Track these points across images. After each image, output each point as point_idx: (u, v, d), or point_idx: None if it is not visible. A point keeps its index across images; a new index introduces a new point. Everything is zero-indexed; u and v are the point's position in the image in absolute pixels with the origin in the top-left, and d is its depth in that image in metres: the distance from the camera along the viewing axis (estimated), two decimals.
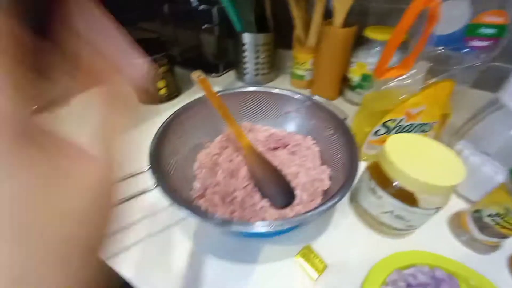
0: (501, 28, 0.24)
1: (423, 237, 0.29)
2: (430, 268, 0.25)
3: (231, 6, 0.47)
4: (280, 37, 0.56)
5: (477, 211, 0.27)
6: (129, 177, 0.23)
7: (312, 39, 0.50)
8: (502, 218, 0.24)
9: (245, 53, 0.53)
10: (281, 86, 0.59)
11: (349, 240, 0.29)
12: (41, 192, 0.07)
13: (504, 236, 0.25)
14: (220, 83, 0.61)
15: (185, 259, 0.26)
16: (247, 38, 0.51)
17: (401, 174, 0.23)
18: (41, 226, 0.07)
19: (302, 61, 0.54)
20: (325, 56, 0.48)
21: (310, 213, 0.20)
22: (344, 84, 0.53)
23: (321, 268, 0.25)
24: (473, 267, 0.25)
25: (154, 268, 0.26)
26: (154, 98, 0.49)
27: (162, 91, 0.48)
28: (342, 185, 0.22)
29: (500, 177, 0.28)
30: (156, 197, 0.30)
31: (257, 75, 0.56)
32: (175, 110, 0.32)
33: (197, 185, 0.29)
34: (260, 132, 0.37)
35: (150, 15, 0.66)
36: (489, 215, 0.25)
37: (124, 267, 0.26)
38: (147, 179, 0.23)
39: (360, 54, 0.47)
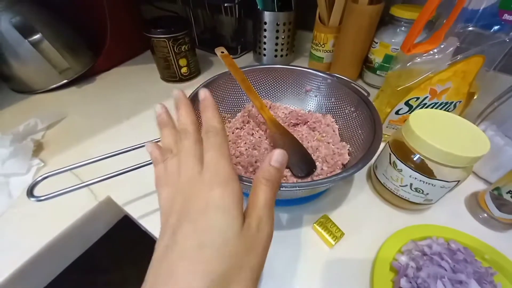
0: None
1: (440, 213, 0.30)
2: (446, 240, 0.25)
3: None
4: (301, 17, 0.55)
5: (496, 188, 0.27)
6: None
7: (335, 18, 0.49)
8: None
9: (265, 33, 0.53)
10: (316, 69, 0.60)
11: (366, 213, 0.29)
12: None
13: None
14: (239, 65, 0.61)
15: None
16: (267, 16, 0.51)
17: (423, 144, 0.23)
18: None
19: (322, 41, 0.53)
20: (348, 35, 0.47)
21: (332, 178, 0.21)
22: (364, 66, 0.52)
23: (339, 235, 0.26)
24: (491, 244, 0.26)
25: None
26: (174, 76, 0.50)
27: (184, 70, 0.49)
28: (363, 157, 0.23)
29: None
30: None
31: (275, 56, 0.56)
32: (199, 85, 0.33)
33: None
34: (280, 110, 0.37)
35: None
36: (509, 192, 0.25)
37: (153, 225, 0.28)
38: None
39: (384, 34, 0.45)
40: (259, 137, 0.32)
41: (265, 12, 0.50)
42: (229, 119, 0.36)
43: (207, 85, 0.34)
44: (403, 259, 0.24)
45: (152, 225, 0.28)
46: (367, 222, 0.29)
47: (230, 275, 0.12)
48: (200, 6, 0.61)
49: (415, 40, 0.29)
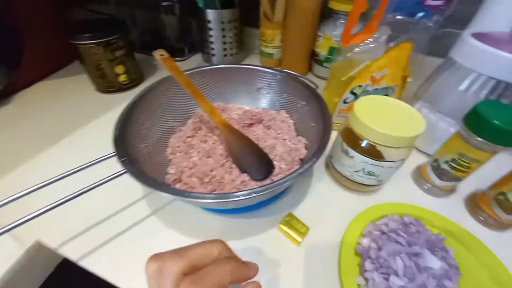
0: None
1: (392, 190, 0.32)
2: (400, 215, 0.27)
3: None
4: (247, 14, 0.54)
5: (435, 160, 0.30)
6: (95, 163, 0.21)
7: (279, 14, 0.49)
8: (456, 162, 0.27)
9: (211, 32, 0.51)
10: (265, 66, 0.59)
11: (328, 203, 0.30)
12: None
13: (459, 179, 0.29)
14: (187, 67, 0.58)
15: (166, 247, 0.25)
16: (211, 14, 0.49)
17: (368, 130, 0.24)
18: None
19: (270, 38, 0.53)
20: (293, 30, 0.48)
21: (288, 177, 0.20)
22: (312, 60, 0.54)
23: (304, 231, 0.26)
24: (437, 210, 0.29)
25: (131, 262, 0.24)
26: (111, 86, 0.45)
27: (122, 78, 0.44)
28: (316, 150, 0.23)
29: (453, 130, 0.31)
30: (126, 191, 0.29)
31: (225, 55, 0.55)
32: (138, 93, 0.30)
33: (172, 170, 0.28)
34: (233, 111, 0.36)
35: None
36: (446, 162, 0.28)
37: (100, 266, 0.24)
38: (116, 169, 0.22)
39: (326, 27, 0.47)
40: (213, 143, 0.30)
41: (208, 10, 0.48)
42: (180, 128, 0.33)
43: (147, 92, 0.30)
44: (365, 241, 0.25)
45: (97, 265, 0.24)
46: (329, 212, 0.29)
47: None
48: (137, 7, 0.56)
49: (351, 31, 0.30)
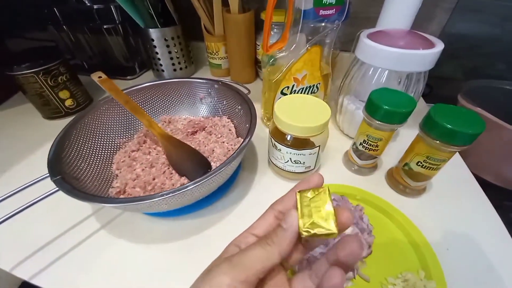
0: None
1: (327, 174, 0.36)
2: None
3: (126, 3, 0.46)
4: (190, 29, 0.57)
5: (354, 143, 0.35)
6: (29, 186, 0.22)
7: (218, 28, 0.53)
8: (367, 142, 0.32)
9: (156, 49, 0.53)
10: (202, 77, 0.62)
11: (270, 193, 0.33)
12: None
13: (374, 157, 0.34)
14: (141, 82, 0.59)
15: (115, 260, 0.26)
16: (153, 33, 0.51)
17: (286, 125, 0.28)
18: None
19: (215, 50, 0.56)
20: (232, 42, 0.52)
21: (214, 173, 0.23)
22: (257, 66, 0.58)
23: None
24: (363, 187, 0.33)
25: (80, 277, 0.25)
26: (58, 112, 0.45)
27: (68, 102, 0.45)
28: (239, 146, 0.26)
29: None
30: (75, 209, 0.30)
31: (174, 70, 0.57)
32: (75, 116, 0.31)
33: (117, 184, 0.29)
34: (179, 122, 0.39)
35: (42, 23, 0.59)
36: (360, 144, 0.33)
37: (54, 283, 0.25)
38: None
39: (262, 36, 0.52)
40: (157, 154, 0.33)
41: (150, 29, 0.51)
42: (126, 143, 0.35)
43: (85, 115, 0.32)
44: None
45: (52, 282, 0.25)
46: (271, 200, 0.32)
47: None
48: (79, 31, 0.57)
49: (268, 41, 0.34)
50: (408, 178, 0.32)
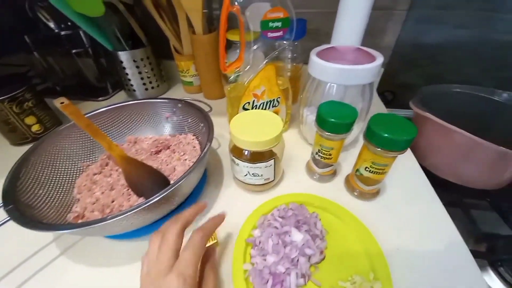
0: (284, 21, 0.33)
1: (291, 184, 0.38)
2: (287, 204, 0.32)
3: (92, 28, 0.48)
4: (159, 49, 0.59)
5: (312, 153, 0.36)
6: None
7: (187, 47, 0.55)
8: (321, 152, 0.34)
9: (126, 71, 0.54)
10: (175, 95, 0.63)
11: (233, 206, 0.34)
12: None
13: (329, 165, 0.36)
14: (114, 102, 0.60)
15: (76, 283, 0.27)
16: (122, 56, 0.52)
17: (241, 141, 0.30)
18: None
19: (185, 68, 0.58)
20: (201, 61, 0.54)
21: (164, 193, 0.24)
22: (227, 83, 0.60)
23: (214, 237, 0.29)
24: (323, 194, 0.35)
25: None
26: (25, 137, 0.45)
27: (35, 128, 0.45)
28: (195, 161, 0.27)
29: None
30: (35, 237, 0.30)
31: (146, 89, 0.58)
32: (33, 144, 0.31)
33: (77, 208, 0.29)
34: (144, 142, 0.40)
35: (13, 48, 0.60)
36: (316, 153, 0.35)
37: None
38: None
39: (229, 55, 0.54)
40: (118, 175, 0.33)
41: (118, 52, 0.52)
42: (89, 166, 0.35)
43: (42, 142, 0.32)
44: (256, 232, 0.29)
45: None
46: (235, 213, 0.33)
47: None
48: (49, 56, 0.58)
49: (224, 61, 0.36)
50: (361, 183, 0.34)
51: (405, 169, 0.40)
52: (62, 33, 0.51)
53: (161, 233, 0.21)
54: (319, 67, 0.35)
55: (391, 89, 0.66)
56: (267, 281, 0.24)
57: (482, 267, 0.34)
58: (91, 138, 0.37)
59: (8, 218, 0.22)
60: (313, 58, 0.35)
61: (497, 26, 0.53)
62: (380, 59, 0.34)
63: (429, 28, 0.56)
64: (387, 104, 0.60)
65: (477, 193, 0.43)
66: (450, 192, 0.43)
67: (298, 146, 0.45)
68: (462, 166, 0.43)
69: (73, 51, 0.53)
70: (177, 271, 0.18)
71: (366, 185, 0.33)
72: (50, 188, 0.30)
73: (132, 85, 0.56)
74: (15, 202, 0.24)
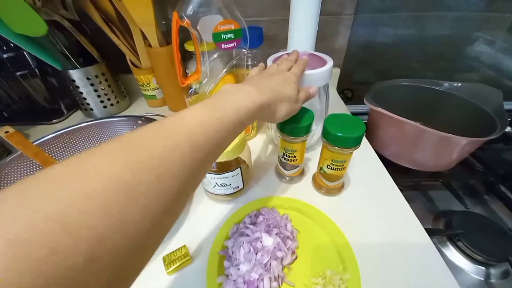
0: (236, 32, 0.34)
1: (262, 189, 0.38)
2: (258, 210, 0.33)
3: (36, 48, 0.44)
4: (116, 63, 0.56)
5: (278, 157, 0.38)
6: None
7: (144, 61, 0.54)
8: (286, 154, 0.35)
9: (80, 89, 0.51)
10: (137, 110, 0.61)
11: (206, 219, 0.34)
12: None
13: (296, 166, 0.37)
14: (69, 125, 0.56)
15: None
16: (74, 74, 0.49)
17: None
18: None
19: (145, 82, 0.57)
20: (160, 74, 0.53)
21: None
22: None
23: (186, 254, 0.29)
24: (294, 195, 0.36)
25: None
26: None
27: None
28: None
29: None
30: None
31: (105, 107, 0.55)
32: None
33: None
34: None
35: None
36: (282, 156, 0.36)
37: None
38: None
39: (189, 65, 0.54)
40: None
41: (69, 71, 0.49)
42: None
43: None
44: (229, 243, 0.29)
45: None
46: (207, 226, 0.33)
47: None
48: None
49: (182, 74, 0.36)
50: (325, 180, 0.35)
51: (365, 160, 0.42)
52: (4, 56, 0.47)
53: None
54: None
55: (349, 87, 0.71)
56: None
57: (442, 243, 0.38)
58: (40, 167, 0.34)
59: None
60: (269, 64, 0.36)
61: (430, 23, 0.60)
62: (330, 63, 0.36)
63: (375, 30, 0.62)
64: (347, 101, 0.64)
65: (431, 175, 0.48)
66: (409, 177, 0.48)
67: (267, 151, 0.46)
68: (414, 152, 0.47)
69: (18, 73, 0.49)
70: (293, 72, 0.30)
71: (330, 181, 0.35)
72: None
73: (88, 104, 0.53)
74: None
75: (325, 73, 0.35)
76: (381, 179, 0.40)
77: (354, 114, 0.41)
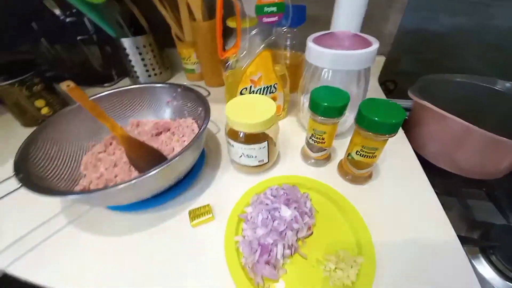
0: (279, 5, 0.34)
1: (287, 167, 0.39)
2: (280, 185, 0.34)
3: (95, 15, 0.49)
4: (161, 37, 0.60)
5: (306, 138, 0.38)
6: None
7: (188, 35, 0.56)
8: (314, 136, 0.35)
9: (129, 57, 0.56)
10: (177, 81, 0.65)
11: (230, 186, 0.36)
12: None
13: (323, 149, 0.37)
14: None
15: (90, 251, 0.29)
16: (125, 42, 0.54)
17: (236, 124, 0.31)
18: None
19: (187, 56, 0.59)
20: (201, 48, 0.55)
21: (167, 163, 0.26)
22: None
23: (208, 210, 0.31)
24: (317, 177, 0.36)
25: (60, 265, 0.28)
26: (36, 119, 0.48)
27: (45, 110, 0.47)
28: (191, 140, 0.29)
29: None
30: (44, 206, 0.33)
31: (149, 76, 0.60)
32: (44, 122, 0.34)
33: (83, 182, 0.32)
34: (146, 125, 0.41)
35: (21, 36, 0.62)
36: (310, 138, 0.36)
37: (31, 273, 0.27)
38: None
39: (229, 41, 0.55)
40: (120, 154, 0.35)
41: (121, 39, 0.53)
42: (94, 146, 0.37)
43: (49, 122, 0.34)
44: (248, 209, 0.31)
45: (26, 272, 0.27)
46: (231, 192, 0.35)
47: None
48: (55, 42, 0.59)
49: (222, 47, 0.37)
50: (352, 167, 0.35)
51: (400, 156, 0.40)
52: (67, 19, 0.53)
53: None
54: (314, 52, 0.35)
55: (392, 79, 0.66)
56: (256, 251, 0.25)
57: (473, 254, 0.35)
58: (96, 119, 0.39)
59: (20, 185, 0.24)
60: (309, 44, 0.36)
61: (495, 12, 0.52)
62: (376, 45, 0.34)
63: (430, 16, 0.55)
64: (388, 93, 0.60)
65: (474, 183, 0.44)
66: (448, 182, 0.44)
67: (296, 133, 0.46)
68: (457, 153, 0.43)
69: (78, 37, 0.54)
70: None
71: (357, 168, 0.34)
72: (58, 163, 0.32)
73: (135, 71, 0.58)
74: (26, 173, 0.26)
75: (367, 55, 0.33)
76: (414, 176, 0.37)
77: None
